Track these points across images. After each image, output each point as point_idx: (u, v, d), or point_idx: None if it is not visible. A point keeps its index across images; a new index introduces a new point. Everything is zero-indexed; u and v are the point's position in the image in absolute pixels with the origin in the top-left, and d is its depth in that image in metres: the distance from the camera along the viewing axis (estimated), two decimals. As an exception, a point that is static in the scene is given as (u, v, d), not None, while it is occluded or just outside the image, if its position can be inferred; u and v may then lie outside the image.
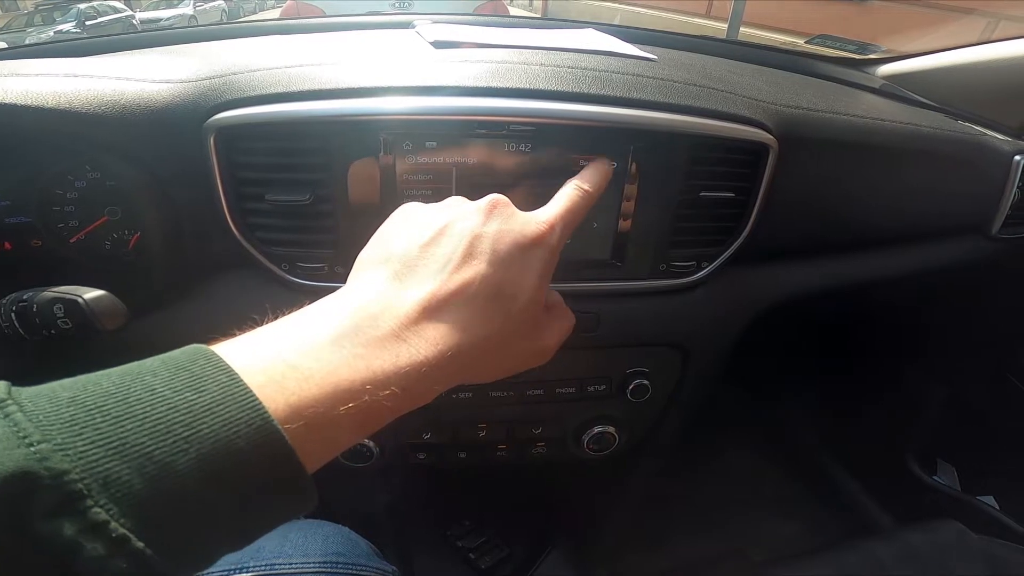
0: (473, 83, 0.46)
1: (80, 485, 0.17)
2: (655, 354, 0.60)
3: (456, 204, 0.34)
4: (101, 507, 0.17)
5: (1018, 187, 0.71)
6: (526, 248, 0.31)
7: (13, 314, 0.35)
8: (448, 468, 0.67)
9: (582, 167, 0.48)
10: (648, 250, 0.53)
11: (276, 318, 0.28)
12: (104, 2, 9.46)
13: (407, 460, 0.62)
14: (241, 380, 0.21)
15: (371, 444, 0.57)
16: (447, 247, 0.30)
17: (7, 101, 0.42)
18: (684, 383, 0.63)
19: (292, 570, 0.44)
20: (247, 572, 0.43)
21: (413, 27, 0.76)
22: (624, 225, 0.51)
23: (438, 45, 0.57)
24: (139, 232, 0.49)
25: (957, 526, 0.65)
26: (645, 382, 0.59)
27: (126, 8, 9.83)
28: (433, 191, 0.47)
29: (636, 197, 0.50)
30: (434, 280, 0.29)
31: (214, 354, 0.22)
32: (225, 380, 0.21)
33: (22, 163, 0.46)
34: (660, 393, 0.62)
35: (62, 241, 0.48)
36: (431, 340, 0.27)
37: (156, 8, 10.91)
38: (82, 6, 8.78)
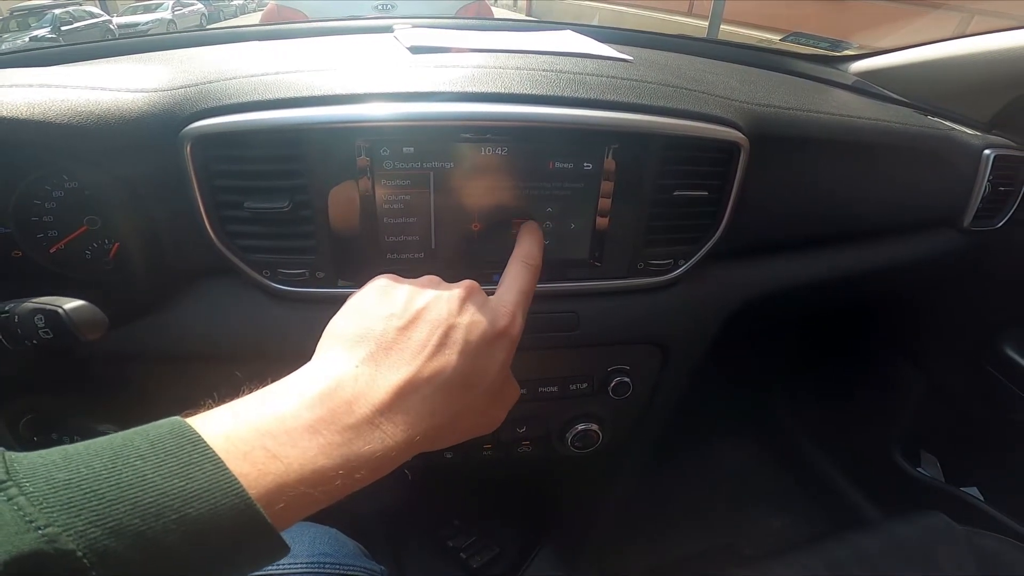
0: (448, 88, 0.47)
1: (85, 561, 0.19)
2: (635, 352, 0.61)
3: (432, 287, 0.35)
4: None
5: (988, 180, 0.73)
6: (493, 340, 0.34)
7: (-8, 326, 0.35)
8: (435, 468, 0.67)
9: (558, 169, 0.49)
10: (625, 249, 0.54)
11: (251, 390, 0.29)
12: (80, 7, 9.31)
13: None
14: (228, 470, 0.23)
15: None
16: (423, 333, 0.32)
17: None
18: (665, 379, 0.64)
19: (280, 571, 0.44)
20: None
21: (392, 31, 0.76)
22: (601, 225, 0.52)
23: (415, 50, 0.57)
24: (119, 241, 0.49)
25: (942, 517, 0.66)
26: (626, 380, 0.60)
27: (103, 13, 9.68)
28: (411, 196, 0.48)
29: (612, 197, 0.50)
30: (409, 366, 0.30)
31: (200, 440, 0.24)
32: (211, 469, 0.23)
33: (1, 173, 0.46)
34: (642, 390, 0.63)
35: (42, 251, 0.48)
36: (401, 426, 0.29)
37: (134, 13, 10.75)
38: (57, 12, 8.64)
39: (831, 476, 1.15)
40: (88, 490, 0.21)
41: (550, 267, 0.53)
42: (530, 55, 0.58)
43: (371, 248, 0.49)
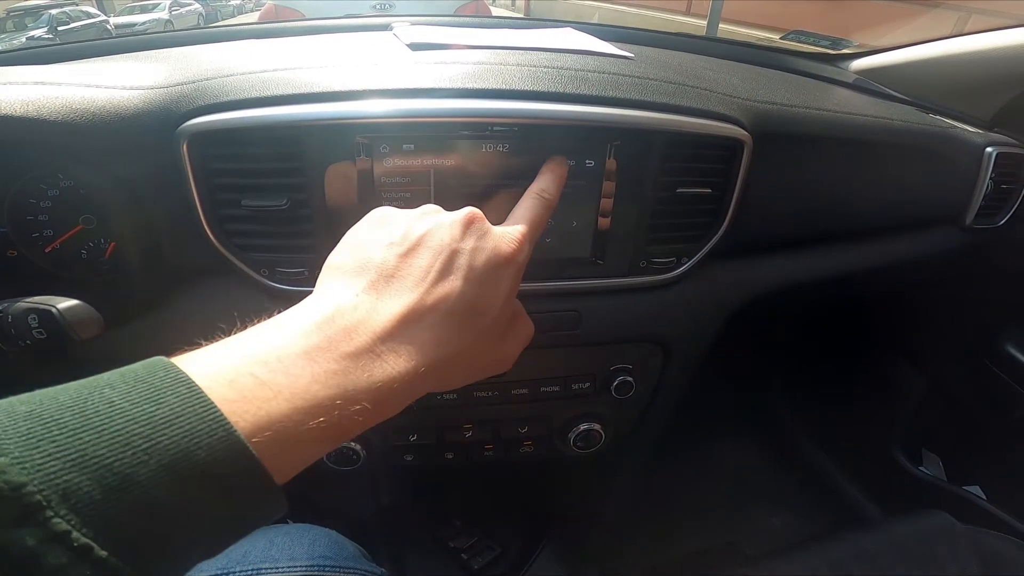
0: (449, 85, 0.46)
1: (39, 497, 0.17)
2: (638, 350, 0.61)
3: (432, 213, 0.33)
4: (61, 517, 0.17)
5: (991, 178, 0.73)
6: (499, 266, 0.32)
7: (-15, 326, 0.35)
8: (436, 469, 0.67)
9: None
10: (628, 247, 0.53)
11: (246, 326, 0.27)
12: (77, 7, 9.29)
13: (394, 462, 0.62)
14: (201, 392, 0.21)
15: (357, 447, 0.57)
16: (425, 259, 0.30)
17: None
18: (667, 378, 0.64)
19: (279, 574, 0.44)
20: None
21: (391, 29, 0.76)
22: (603, 223, 0.51)
23: (415, 47, 0.57)
24: (115, 241, 0.48)
25: (945, 516, 0.66)
26: (629, 379, 0.59)
27: (99, 13, 9.66)
28: (411, 194, 0.47)
29: (615, 195, 0.50)
30: (412, 293, 0.29)
31: (173, 366, 0.22)
32: (185, 392, 0.21)
33: None
34: (644, 389, 0.63)
35: (37, 251, 0.48)
36: (405, 356, 0.27)
37: (131, 13, 10.73)
38: (54, 12, 8.61)
39: (832, 475, 1.15)
40: (49, 419, 0.18)
41: (552, 265, 0.52)
42: (530, 52, 0.57)
43: None
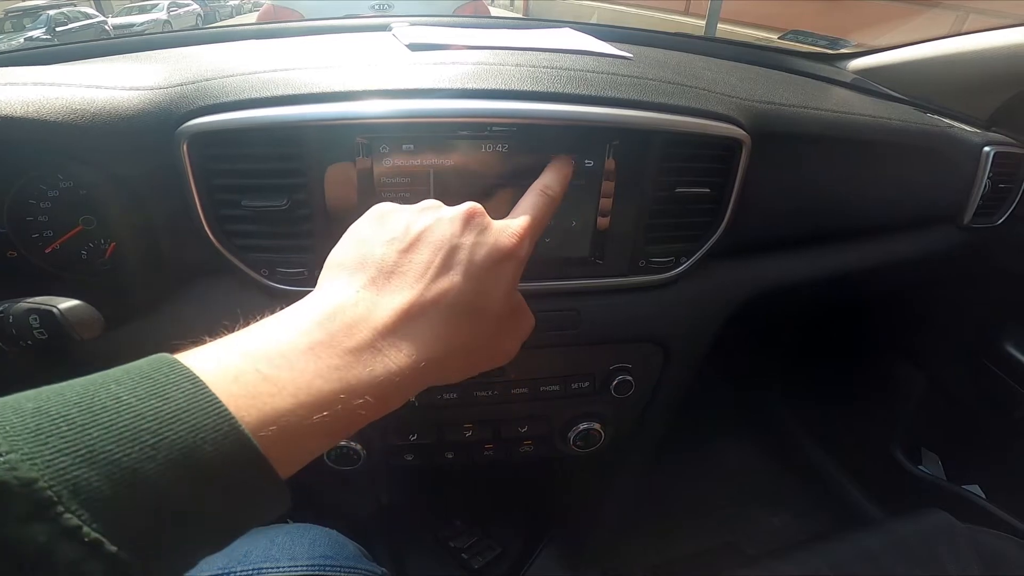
0: (448, 85, 0.46)
1: (50, 492, 0.17)
2: (637, 350, 0.61)
3: (433, 209, 0.34)
4: (72, 512, 0.17)
5: (988, 177, 0.73)
6: (499, 261, 0.32)
7: (-13, 327, 0.35)
8: (436, 469, 0.67)
9: None
10: (627, 246, 0.53)
11: (248, 323, 0.27)
12: (75, 8, 9.27)
13: (394, 462, 0.62)
14: (206, 387, 0.21)
15: (357, 447, 0.57)
16: (425, 255, 0.30)
17: None
18: (666, 378, 0.64)
19: (280, 574, 0.44)
20: None
21: (390, 30, 0.76)
22: (602, 222, 0.51)
23: (414, 47, 0.57)
24: (115, 241, 0.48)
25: (945, 516, 0.66)
26: (628, 378, 0.59)
27: (98, 14, 9.64)
28: (411, 194, 0.47)
29: (613, 194, 0.50)
30: (412, 289, 0.29)
31: (177, 362, 0.22)
32: (190, 387, 0.21)
33: None
34: (644, 388, 0.63)
35: (37, 251, 0.48)
36: (406, 351, 0.27)
37: (129, 13, 10.71)
38: (53, 12, 8.59)
39: (832, 474, 1.15)
40: (57, 416, 0.19)
41: (551, 265, 0.53)
42: (529, 52, 0.58)
43: None
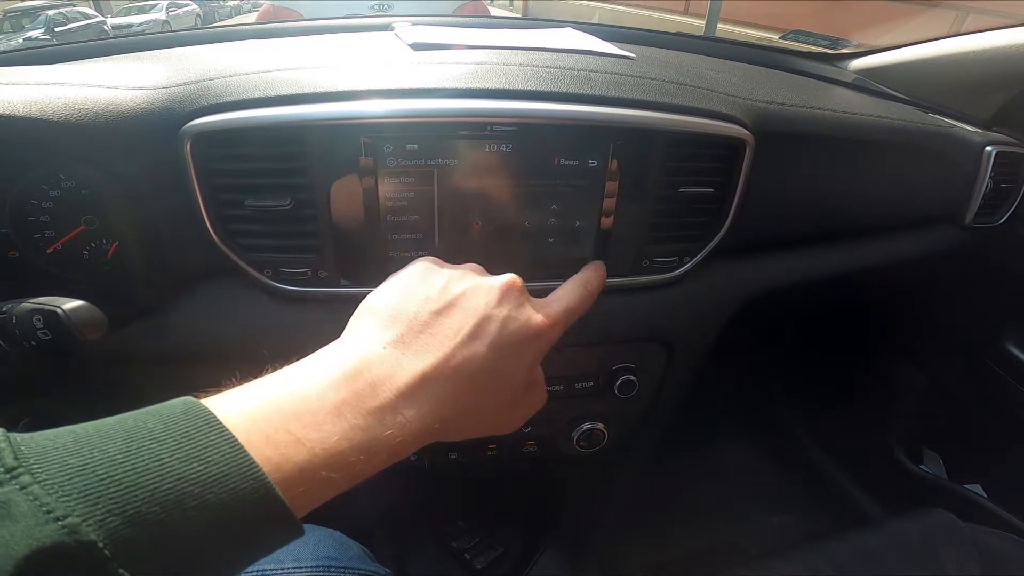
0: (453, 84, 0.46)
1: (106, 552, 0.19)
2: (641, 350, 0.61)
3: (474, 274, 0.35)
4: (126, 569, 0.19)
5: (990, 177, 0.73)
6: (528, 338, 0.33)
7: (-10, 327, 0.35)
8: (439, 469, 0.67)
9: (562, 167, 0.48)
10: (630, 246, 0.53)
11: (276, 367, 0.28)
12: (74, 8, 9.26)
13: (398, 462, 0.62)
14: (245, 452, 0.23)
15: None
16: (456, 320, 0.31)
17: None
18: (670, 377, 0.64)
19: (284, 575, 0.44)
20: None
21: (392, 29, 0.76)
22: (606, 222, 0.51)
23: (417, 47, 0.57)
24: (117, 241, 0.48)
25: (946, 515, 0.66)
26: (632, 378, 0.59)
27: (97, 14, 9.64)
28: (415, 194, 0.47)
29: (617, 194, 0.50)
30: (438, 352, 0.30)
31: (215, 420, 0.23)
32: (228, 451, 0.22)
33: None
34: (647, 388, 0.63)
35: (39, 251, 0.47)
36: (423, 413, 0.28)
37: (128, 14, 10.70)
38: (51, 13, 8.59)
39: (833, 474, 1.15)
40: (104, 476, 0.20)
41: (554, 265, 0.52)
42: (532, 52, 0.57)
43: (374, 246, 0.49)
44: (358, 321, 0.32)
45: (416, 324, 0.31)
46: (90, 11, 9.55)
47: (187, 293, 0.51)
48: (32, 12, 8.75)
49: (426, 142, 0.45)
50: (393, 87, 0.45)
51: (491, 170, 0.47)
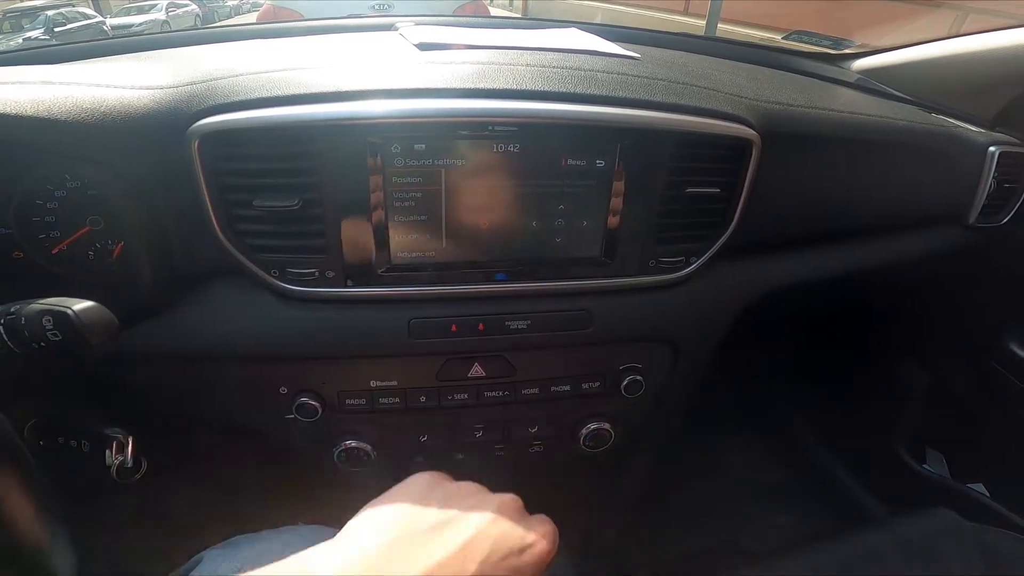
0: (461, 84, 0.46)
1: None
2: (647, 349, 0.61)
3: (473, 494, 0.36)
4: None
5: (993, 177, 0.73)
6: (519, 559, 0.34)
7: (1, 327, 0.34)
8: (447, 470, 0.67)
9: (570, 167, 0.48)
10: (637, 247, 0.54)
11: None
12: (73, 8, 9.26)
13: (405, 463, 0.62)
14: None
15: (368, 448, 0.57)
16: (450, 538, 0.32)
17: None
18: (675, 377, 0.64)
19: None
20: None
21: (395, 29, 0.76)
22: (613, 222, 0.51)
23: (423, 47, 0.57)
24: (123, 241, 0.48)
25: (950, 514, 0.66)
26: (638, 378, 0.59)
27: (96, 14, 9.63)
28: (423, 194, 0.47)
29: (624, 195, 0.50)
30: (428, 562, 0.30)
31: None
32: None
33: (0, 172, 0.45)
34: (653, 388, 0.63)
35: (44, 252, 0.47)
36: None
37: (128, 14, 10.70)
38: (50, 13, 8.58)
39: (837, 473, 1.15)
40: None
41: (562, 265, 0.53)
42: (538, 52, 0.58)
43: (381, 246, 0.49)
44: (357, 524, 0.34)
45: (410, 535, 0.32)
46: (89, 11, 9.54)
47: (194, 294, 0.52)
48: (32, 12, 8.74)
49: (434, 142, 0.45)
50: (401, 87, 0.46)
51: (498, 170, 0.47)
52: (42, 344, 0.34)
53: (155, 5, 10.91)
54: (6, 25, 8.65)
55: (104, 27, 9.25)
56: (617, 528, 0.92)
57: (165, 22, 10.55)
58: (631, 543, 0.97)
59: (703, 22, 4.50)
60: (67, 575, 0.34)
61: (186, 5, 11.74)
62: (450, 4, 3.41)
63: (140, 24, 10.09)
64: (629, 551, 0.97)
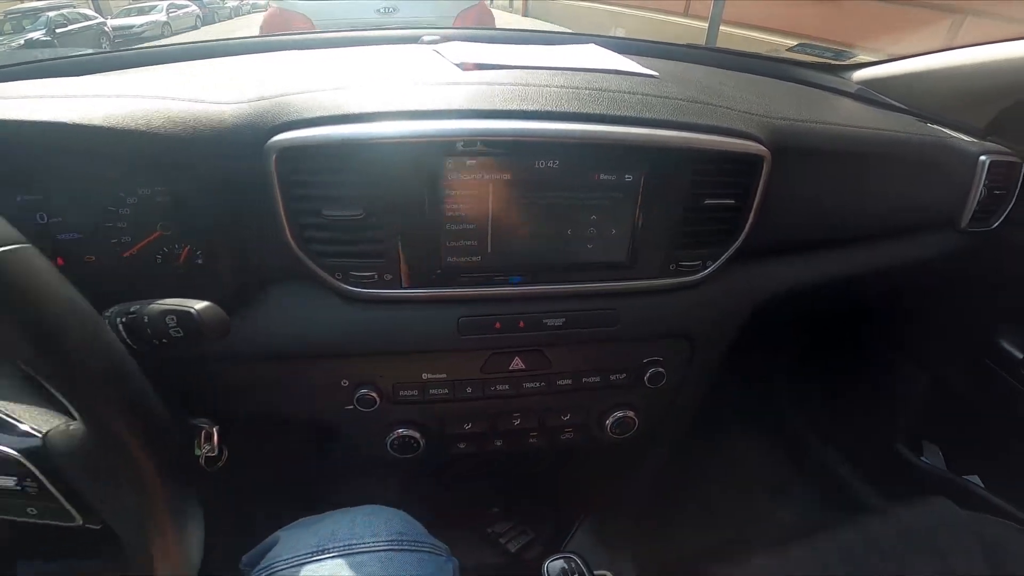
0: (515, 107, 0.51)
1: None
2: (668, 345, 0.66)
3: None
4: None
5: (984, 184, 0.77)
6: None
7: (122, 326, 0.39)
8: (485, 456, 0.72)
9: (602, 181, 0.54)
10: (660, 252, 0.59)
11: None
12: (74, 10, 9.23)
13: (448, 450, 0.67)
14: None
15: (417, 435, 0.63)
16: None
17: (91, 123, 0.44)
18: (692, 371, 0.70)
19: (366, 548, 0.49)
20: (329, 553, 0.49)
21: (422, 42, 0.81)
22: (639, 230, 0.57)
23: (463, 67, 0.62)
24: (188, 246, 0.52)
25: (947, 503, 0.69)
26: (661, 370, 0.65)
27: (97, 15, 9.60)
28: (472, 205, 0.52)
29: (649, 205, 0.56)
30: None
31: None
32: None
33: (76, 181, 0.48)
34: (674, 379, 0.68)
35: (115, 256, 0.50)
36: None
37: (128, 15, 10.66)
38: (52, 14, 8.56)
39: (837, 468, 1.17)
40: None
41: (592, 269, 0.58)
42: (568, 72, 0.63)
43: (434, 252, 0.54)
44: None
45: None
46: (90, 12, 9.51)
47: (261, 296, 0.56)
48: (33, 13, 8.71)
49: (485, 159, 0.51)
50: (467, 107, 0.50)
51: (539, 184, 0.53)
52: (164, 340, 0.38)
53: (155, 6, 10.87)
54: (7, 26, 8.61)
55: (105, 28, 9.22)
56: (629, 522, 0.96)
57: (166, 23, 10.51)
58: (643, 537, 1.01)
59: (703, 23, 4.54)
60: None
61: (186, 6, 11.71)
62: (453, 6, 3.44)
63: (141, 25, 10.04)
64: (642, 544, 1.01)
